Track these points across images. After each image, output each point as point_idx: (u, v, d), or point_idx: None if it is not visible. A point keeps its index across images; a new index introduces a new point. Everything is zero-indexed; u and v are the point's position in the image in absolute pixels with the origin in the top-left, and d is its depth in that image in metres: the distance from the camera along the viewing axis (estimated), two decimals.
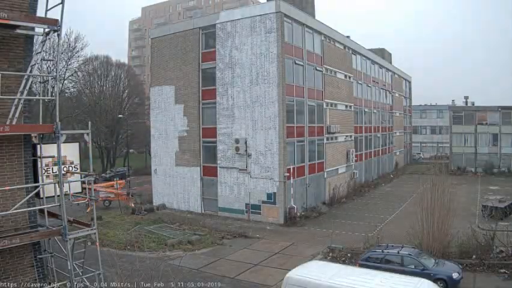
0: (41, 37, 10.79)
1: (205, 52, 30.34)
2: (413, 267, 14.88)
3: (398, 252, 15.60)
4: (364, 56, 43.62)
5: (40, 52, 10.74)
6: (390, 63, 56.57)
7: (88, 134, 12.13)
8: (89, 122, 13.84)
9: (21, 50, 10.73)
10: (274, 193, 26.90)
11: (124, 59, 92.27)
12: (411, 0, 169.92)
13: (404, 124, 61.66)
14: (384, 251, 15.95)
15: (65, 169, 11.91)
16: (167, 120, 32.43)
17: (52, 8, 10.87)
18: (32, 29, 10.69)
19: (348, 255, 18.37)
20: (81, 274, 11.88)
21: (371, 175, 44.36)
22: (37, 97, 12.38)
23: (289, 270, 16.72)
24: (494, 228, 18.45)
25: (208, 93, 30.15)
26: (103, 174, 45.44)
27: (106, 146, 58.29)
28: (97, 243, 11.56)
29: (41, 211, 11.42)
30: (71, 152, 12.48)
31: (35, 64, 10.67)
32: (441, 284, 13.92)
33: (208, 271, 17.21)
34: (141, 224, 25.77)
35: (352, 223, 25.88)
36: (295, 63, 28.79)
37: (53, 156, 11.45)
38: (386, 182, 44.19)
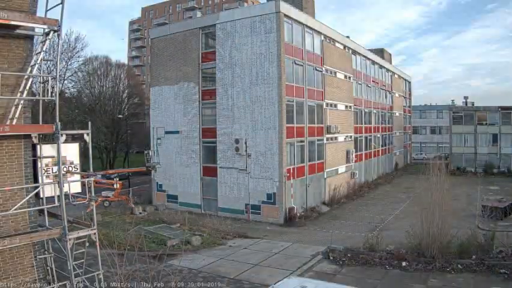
0: (41, 37, 10.78)
1: (205, 52, 30.36)
2: None
3: None
4: (364, 56, 43.64)
5: (40, 52, 10.73)
6: (390, 63, 56.59)
7: (88, 134, 12.11)
8: (89, 122, 13.82)
9: (21, 50, 10.71)
10: (274, 193, 26.90)
11: (124, 59, 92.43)
12: (411, 1, 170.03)
13: (404, 124, 61.65)
14: None
15: (65, 169, 11.90)
16: (167, 120, 32.43)
17: (52, 8, 10.87)
18: (32, 29, 10.69)
19: (348, 255, 18.35)
20: (81, 274, 11.87)
21: (371, 175, 44.37)
22: (37, 97, 12.38)
23: (289, 270, 16.80)
24: (494, 228, 18.46)
25: (208, 94, 30.17)
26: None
27: (105, 146, 58.26)
28: (97, 244, 11.55)
29: (41, 211, 11.42)
30: (71, 152, 12.47)
31: (35, 64, 10.66)
32: None
33: (208, 271, 17.18)
34: (141, 224, 25.74)
35: (352, 223, 25.88)
36: (295, 63, 28.79)
37: (53, 157, 11.45)
38: (386, 182, 44.20)
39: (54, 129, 10.44)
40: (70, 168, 12.44)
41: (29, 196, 10.68)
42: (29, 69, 10.61)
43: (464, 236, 17.82)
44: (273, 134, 26.92)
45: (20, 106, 10.41)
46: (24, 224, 10.77)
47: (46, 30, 10.55)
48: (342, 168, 35.76)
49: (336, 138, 34.72)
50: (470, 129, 51.51)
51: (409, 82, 66.78)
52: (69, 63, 50.20)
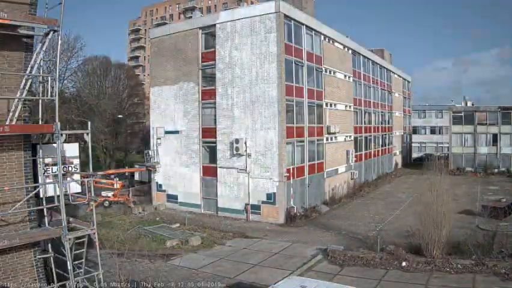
0: (41, 37, 10.78)
1: (205, 52, 30.33)
2: None
3: None
4: (364, 56, 43.62)
5: (40, 52, 10.73)
6: (390, 63, 56.60)
7: (87, 134, 12.11)
8: (89, 122, 13.83)
9: (21, 50, 10.71)
10: (274, 193, 26.89)
11: (124, 59, 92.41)
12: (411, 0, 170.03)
13: (404, 124, 61.68)
14: None
15: (64, 169, 11.89)
16: (167, 120, 32.41)
17: (52, 7, 10.86)
18: (32, 29, 10.68)
19: (348, 255, 18.36)
20: (81, 274, 11.86)
21: (371, 175, 44.37)
22: (37, 97, 12.38)
23: (289, 270, 16.80)
24: (494, 228, 18.46)
25: (208, 93, 30.15)
26: None
27: (105, 146, 58.23)
28: (97, 243, 11.55)
29: (41, 211, 11.41)
30: (71, 152, 12.48)
31: (34, 64, 10.66)
32: None
33: (208, 271, 17.18)
34: (141, 224, 25.74)
35: (352, 223, 25.87)
36: (295, 63, 28.79)
37: (53, 157, 11.44)
38: (386, 182, 44.22)
39: (54, 129, 10.43)
40: (70, 168, 12.43)
41: (29, 196, 10.68)
42: (29, 69, 10.60)
43: (464, 236, 17.84)
44: (273, 134, 26.91)
45: (19, 106, 10.40)
46: (24, 224, 10.76)
47: (46, 30, 10.54)
48: (342, 168, 35.76)
49: (336, 138, 34.71)
50: (470, 129, 51.48)
51: (409, 82, 66.80)
52: (68, 63, 50.22)
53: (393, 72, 55.29)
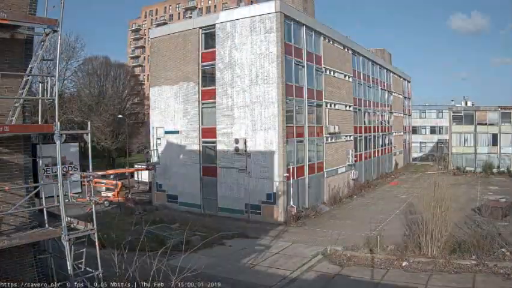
0: (41, 37, 10.78)
1: (205, 52, 30.35)
2: None
3: None
4: (364, 56, 43.63)
5: (40, 52, 10.72)
6: (390, 63, 56.60)
7: (87, 134, 12.10)
8: (89, 122, 13.82)
9: (21, 50, 10.71)
10: (274, 193, 26.90)
11: (124, 59, 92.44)
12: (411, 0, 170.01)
13: (404, 124, 61.67)
14: None
15: (64, 169, 11.89)
16: (167, 120, 32.42)
17: (52, 7, 10.85)
18: (32, 29, 10.68)
19: (348, 255, 18.36)
20: (81, 274, 11.85)
21: (371, 175, 44.36)
22: (37, 97, 12.38)
23: (289, 270, 16.80)
24: (494, 228, 18.44)
25: (208, 93, 30.16)
26: None
27: (106, 146, 58.23)
28: (97, 243, 11.54)
29: (41, 211, 11.41)
30: (71, 152, 12.49)
31: (35, 64, 10.65)
32: None
33: (208, 271, 17.12)
34: (141, 224, 25.71)
35: (352, 223, 25.87)
36: (295, 63, 28.80)
37: (52, 157, 11.44)
38: (386, 182, 44.22)
39: (54, 129, 10.42)
40: (70, 169, 12.44)
41: (29, 196, 10.67)
42: (29, 69, 10.60)
43: (464, 236, 17.83)
44: (273, 134, 26.91)
45: (19, 106, 10.40)
46: (24, 224, 10.76)
47: (46, 30, 10.53)
48: (342, 168, 35.77)
49: (335, 138, 34.73)
50: (470, 129, 51.45)
51: (409, 82, 66.81)
52: (69, 63, 50.28)
53: (393, 72, 55.31)
